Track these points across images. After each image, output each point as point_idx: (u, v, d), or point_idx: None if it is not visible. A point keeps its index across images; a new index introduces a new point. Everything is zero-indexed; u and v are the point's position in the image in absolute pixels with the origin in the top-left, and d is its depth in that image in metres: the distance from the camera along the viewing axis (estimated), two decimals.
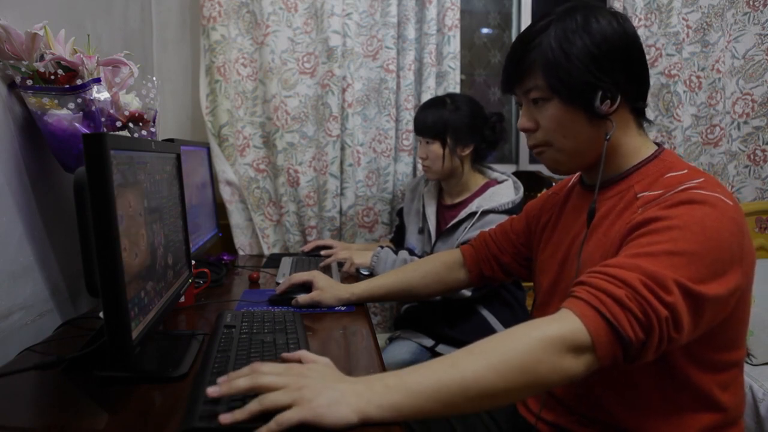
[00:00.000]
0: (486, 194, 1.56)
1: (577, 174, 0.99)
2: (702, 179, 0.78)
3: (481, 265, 1.18)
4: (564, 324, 0.67)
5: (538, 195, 1.23)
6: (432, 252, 1.62)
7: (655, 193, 0.79)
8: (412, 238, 1.73)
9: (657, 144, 0.89)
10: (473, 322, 1.55)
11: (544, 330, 0.67)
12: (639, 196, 0.82)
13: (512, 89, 0.90)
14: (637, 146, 0.87)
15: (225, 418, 0.60)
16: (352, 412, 0.61)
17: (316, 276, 1.23)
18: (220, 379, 0.66)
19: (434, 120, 1.59)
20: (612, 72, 0.81)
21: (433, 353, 1.57)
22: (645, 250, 0.70)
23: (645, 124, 0.90)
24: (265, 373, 0.65)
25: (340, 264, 1.63)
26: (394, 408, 0.62)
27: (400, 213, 1.86)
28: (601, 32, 0.80)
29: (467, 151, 1.60)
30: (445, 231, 1.59)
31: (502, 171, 1.66)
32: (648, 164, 0.86)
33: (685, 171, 0.81)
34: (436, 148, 1.59)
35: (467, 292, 1.47)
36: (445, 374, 0.64)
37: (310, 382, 0.64)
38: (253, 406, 0.61)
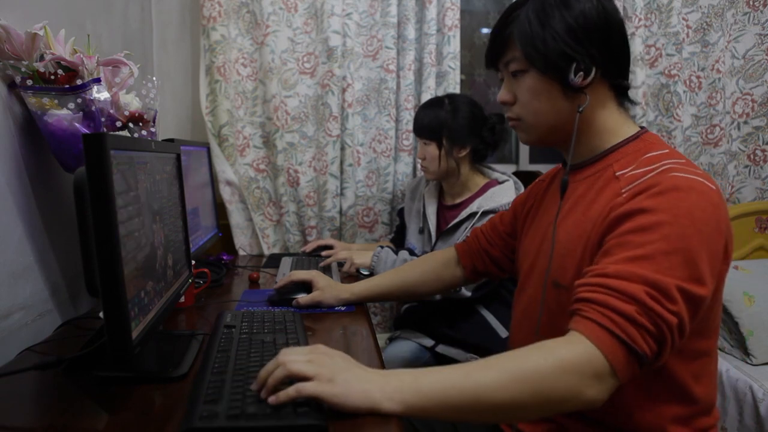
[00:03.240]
0: (487, 194, 1.56)
1: None
2: (683, 159, 0.78)
3: (474, 260, 1.18)
4: (578, 349, 0.66)
5: None
6: (432, 252, 1.62)
7: (637, 172, 0.79)
8: (413, 238, 1.73)
9: (641, 127, 0.89)
10: (473, 322, 1.55)
11: (560, 356, 0.66)
12: (618, 174, 0.82)
13: (494, 63, 0.91)
14: (615, 125, 0.87)
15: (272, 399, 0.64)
16: (364, 399, 0.64)
17: (315, 276, 1.23)
18: (253, 386, 0.68)
19: (431, 121, 1.59)
20: (588, 44, 0.81)
21: (433, 353, 1.58)
22: (640, 253, 0.70)
23: (629, 105, 0.90)
24: (293, 357, 0.67)
25: (340, 264, 1.63)
26: (403, 404, 0.64)
27: (400, 213, 1.86)
28: (579, 6, 0.81)
29: (464, 153, 1.60)
30: (445, 231, 1.59)
31: (502, 171, 1.66)
32: (628, 144, 0.86)
33: (666, 151, 0.81)
34: (432, 149, 1.59)
35: (467, 292, 1.47)
36: (459, 383, 0.65)
37: (331, 362, 0.67)
38: (290, 391, 0.64)
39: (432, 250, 1.63)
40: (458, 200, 1.64)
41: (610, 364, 0.66)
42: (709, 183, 0.74)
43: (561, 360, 0.66)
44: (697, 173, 0.75)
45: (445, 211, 1.68)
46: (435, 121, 1.58)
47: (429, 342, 1.58)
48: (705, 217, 0.71)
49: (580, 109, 0.83)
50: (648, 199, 0.73)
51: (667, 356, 0.69)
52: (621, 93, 0.88)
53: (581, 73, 0.81)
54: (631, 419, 0.80)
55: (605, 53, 0.82)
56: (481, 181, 1.63)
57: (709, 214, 0.71)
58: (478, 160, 1.65)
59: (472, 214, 1.51)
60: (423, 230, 1.70)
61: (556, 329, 0.84)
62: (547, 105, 0.85)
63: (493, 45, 0.89)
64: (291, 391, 0.63)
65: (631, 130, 0.87)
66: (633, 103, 0.92)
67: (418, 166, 1.97)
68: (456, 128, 1.57)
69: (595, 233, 0.79)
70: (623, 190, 0.78)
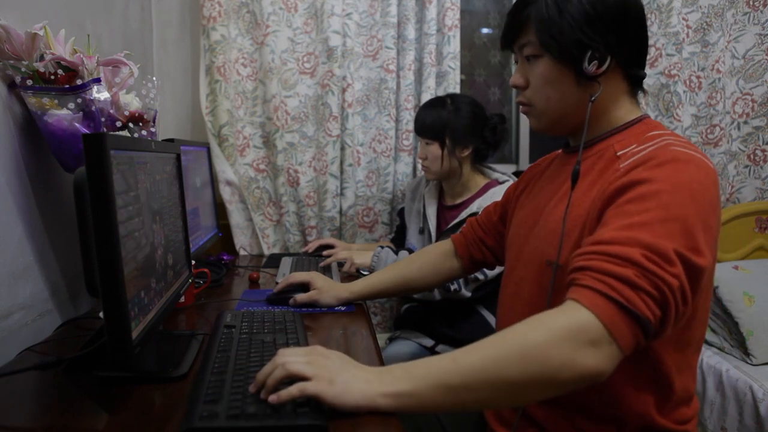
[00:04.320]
0: (487, 195, 1.56)
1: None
2: (683, 139, 0.78)
3: (471, 250, 1.18)
4: (571, 316, 0.64)
5: None
6: None
7: (638, 148, 0.79)
8: (413, 239, 1.73)
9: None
10: (473, 322, 1.55)
11: (550, 325, 0.64)
12: (619, 154, 0.82)
13: (509, 44, 0.90)
14: (624, 114, 0.87)
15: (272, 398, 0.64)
16: (361, 399, 0.64)
17: (313, 277, 1.23)
18: (251, 388, 0.68)
19: (433, 121, 1.59)
20: (604, 32, 0.80)
21: (433, 353, 1.57)
22: (637, 220, 0.68)
23: (640, 94, 0.89)
24: (291, 357, 0.68)
25: (340, 264, 1.63)
26: (398, 397, 0.64)
27: (401, 213, 1.86)
28: None
29: (466, 153, 1.60)
30: (445, 231, 1.59)
31: (502, 171, 1.66)
32: (630, 127, 0.86)
33: (667, 131, 0.81)
34: (434, 148, 1.59)
35: (467, 293, 1.47)
36: (448, 366, 0.65)
37: (329, 363, 0.68)
38: (292, 390, 0.64)
39: None
40: (458, 200, 1.64)
41: (608, 329, 0.63)
42: (707, 161, 0.74)
43: (551, 329, 0.64)
44: (696, 150, 0.75)
45: (445, 212, 1.68)
46: (438, 120, 1.58)
47: (429, 342, 1.59)
48: (702, 190, 0.71)
49: (593, 98, 0.82)
50: (647, 171, 0.72)
51: (676, 324, 0.67)
52: (635, 82, 0.87)
53: (596, 62, 0.81)
54: (614, 407, 0.79)
55: (622, 42, 0.81)
56: (481, 182, 1.63)
57: (706, 187, 0.71)
58: (480, 160, 1.65)
59: (472, 215, 1.51)
60: (423, 230, 1.70)
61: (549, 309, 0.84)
62: (559, 92, 0.85)
63: (509, 27, 0.88)
64: (293, 389, 0.64)
65: (636, 115, 0.87)
66: (645, 92, 0.92)
67: (418, 166, 1.97)
68: (458, 128, 1.57)
69: (594, 210, 0.78)
70: (622, 166, 0.78)
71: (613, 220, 0.71)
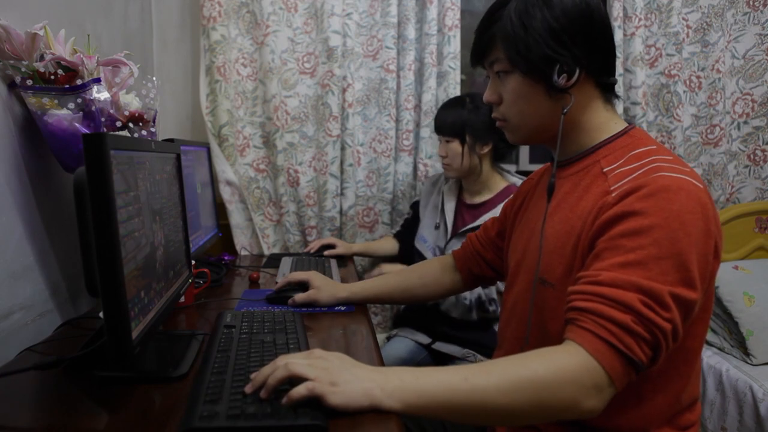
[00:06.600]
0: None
1: None
2: (670, 156, 0.78)
3: (469, 264, 1.19)
4: (577, 361, 0.67)
5: None
6: (445, 248, 1.63)
7: (624, 168, 0.79)
8: (426, 232, 1.72)
9: (628, 123, 0.89)
10: (471, 319, 1.55)
11: (559, 366, 0.67)
12: (605, 170, 0.82)
13: (479, 62, 0.91)
14: (602, 122, 0.87)
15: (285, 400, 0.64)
16: (364, 398, 0.65)
17: (312, 276, 1.23)
18: (247, 389, 0.68)
19: (453, 119, 1.61)
20: (571, 46, 0.80)
21: (430, 350, 1.58)
22: (632, 258, 0.70)
23: (615, 100, 0.90)
24: (294, 360, 0.68)
25: (341, 264, 1.63)
26: (404, 403, 0.65)
27: (414, 206, 1.86)
28: (561, 5, 0.80)
29: (486, 149, 1.61)
30: (462, 232, 1.60)
31: (519, 177, 1.68)
32: (615, 140, 0.85)
33: (653, 147, 0.81)
34: (455, 146, 1.60)
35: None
36: (458, 385, 0.66)
37: (329, 365, 0.68)
38: (300, 390, 0.64)
39: (446, 246, 1.64)
40: (477, 199, 1.65)
41: (608, 374, 0.66)
42: (696, 181, 0.74)
43: (561, 370, 0.66)
44: (684, 171, 0.75)
45: (464, 209, 1.68)
46: (458, 119, 1.60)
47: (426, 339, 1.59)
48: (694, 219, 0.71)
49: (565, 110, 0.83)
50: (638, 202, 0.73)
51: (661, 360, 0.70)
52: (607, 89, 0.88)
53: (565, 74, 0.81)
54: (614, 420, 0.79)
55: (589, 53, 0.82)
56: (501, 182, 1.65)
57: (698, 215, 0.71)
58: (499, 158, 1.66)
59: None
60: (439, 226, 1.70)
61: (544, 327, 0.85)
62: (532, 106, 0.85)
63: (477, 45, 0.89)
64: (301, 389, 0.64)
65: (619, 126, 0.87)
66: (618, 98, 0.92)
67: (419, 166, 1.97)
68: (478, 125, 1.59)
69: (585, 234, 0.78)
70: (612, 188, 0.78)
71: (607, 254, 0.72)
